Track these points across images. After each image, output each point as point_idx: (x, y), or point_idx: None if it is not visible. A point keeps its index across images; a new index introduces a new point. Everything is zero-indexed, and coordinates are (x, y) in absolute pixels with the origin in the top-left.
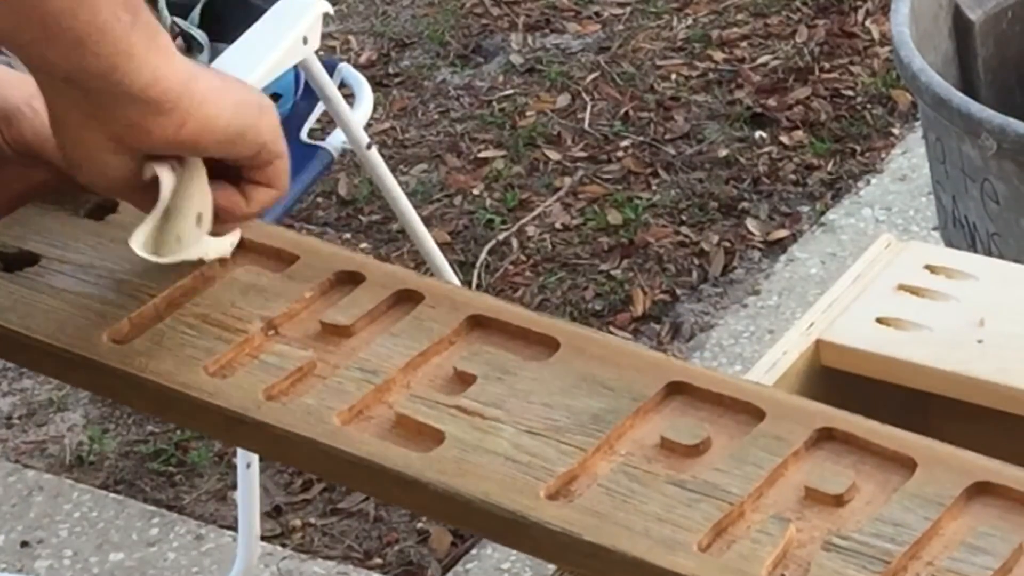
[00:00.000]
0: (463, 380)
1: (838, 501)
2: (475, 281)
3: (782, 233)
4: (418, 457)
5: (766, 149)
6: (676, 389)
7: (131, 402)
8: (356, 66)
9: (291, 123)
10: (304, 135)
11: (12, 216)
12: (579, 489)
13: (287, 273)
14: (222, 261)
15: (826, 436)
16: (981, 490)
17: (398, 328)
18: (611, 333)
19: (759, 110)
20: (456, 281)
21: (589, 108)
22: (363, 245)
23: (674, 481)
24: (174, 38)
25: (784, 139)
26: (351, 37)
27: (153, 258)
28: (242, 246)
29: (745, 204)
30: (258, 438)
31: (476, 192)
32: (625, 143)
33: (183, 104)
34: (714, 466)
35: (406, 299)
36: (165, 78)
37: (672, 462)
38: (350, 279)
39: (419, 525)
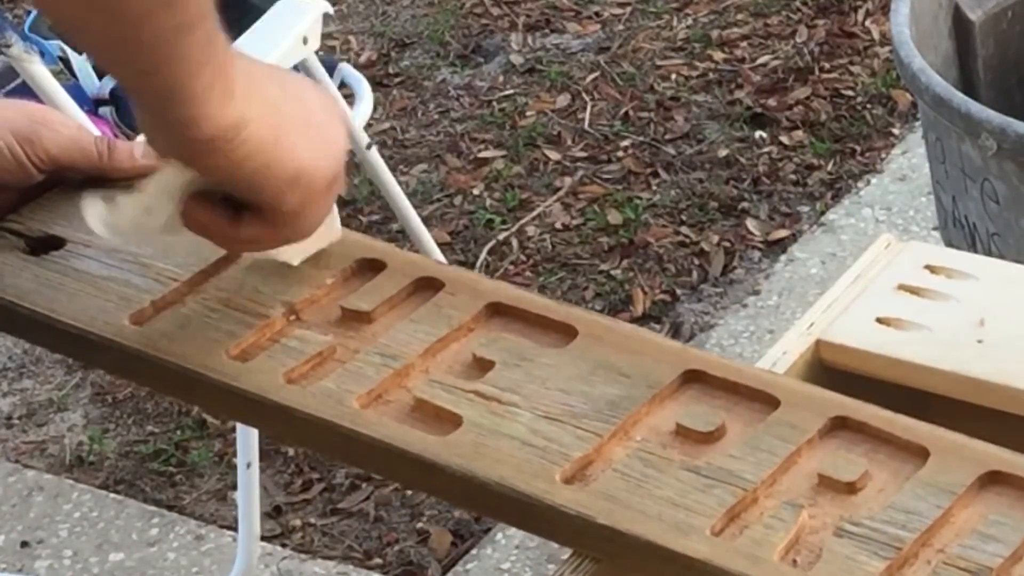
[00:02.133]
0: (481, 366)
1: (851, 488)
2: None
3: (782, 233)
4: (436, 441)
5: (766, 149)
6: (692, 377)
7: (153, 384)
8: (356, 66)
9: None
10: None
11: (38, 201)
12: (594, 473)
13: (309, 259)
14: None
15: (840, 425)
16: (993, 479)
17: (418, 315)
18: None
19: (759, 110)
20: None
21: (589, 108)
22: None
23: (688, 467)
24: None
25: (784, 139)
26: (351, 37)
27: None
28: None
29: (745, 204)
30: (278, 421)
31: (476, 192)
32: (625, 143)
33: None
34: (728, 453)
35: (426, 286)
36: None
37: (687, 448)
38: (371, 266)
39: (419, 525)
